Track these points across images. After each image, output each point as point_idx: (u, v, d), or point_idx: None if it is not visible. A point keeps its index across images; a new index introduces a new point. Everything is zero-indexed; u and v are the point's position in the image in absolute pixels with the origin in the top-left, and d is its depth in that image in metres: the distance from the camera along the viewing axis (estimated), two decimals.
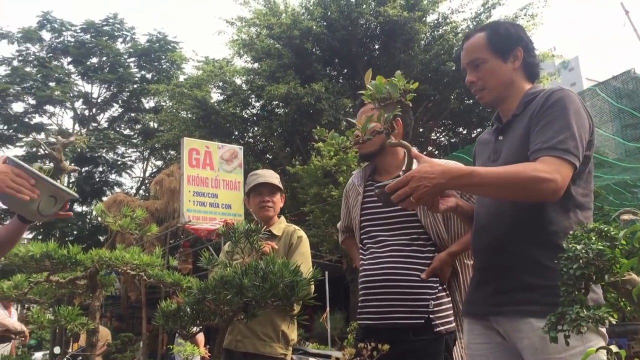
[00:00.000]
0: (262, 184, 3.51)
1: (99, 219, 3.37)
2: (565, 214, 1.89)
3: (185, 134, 16.80)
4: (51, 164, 2.16)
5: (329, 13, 17.29)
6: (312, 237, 11.87)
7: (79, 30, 25.41)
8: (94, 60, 25.48)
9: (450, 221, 2.62)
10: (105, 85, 25.74)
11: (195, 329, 2.22)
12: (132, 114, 26.35)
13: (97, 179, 25.35)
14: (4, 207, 2.12)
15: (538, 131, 1.89)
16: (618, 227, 1.32)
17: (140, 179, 26.62)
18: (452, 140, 19.82)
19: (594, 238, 1.29)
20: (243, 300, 1.95)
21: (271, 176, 3.57)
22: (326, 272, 10.25)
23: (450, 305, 2.59)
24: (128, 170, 26.57)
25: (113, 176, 26.13)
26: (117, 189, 25.43)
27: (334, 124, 15.73)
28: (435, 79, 17.07)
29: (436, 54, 16.72)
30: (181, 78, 23.26)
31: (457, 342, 2.57)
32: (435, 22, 17.85)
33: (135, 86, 25.56)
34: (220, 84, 19.01)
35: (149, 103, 26.16)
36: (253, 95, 18.77)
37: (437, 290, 2.55)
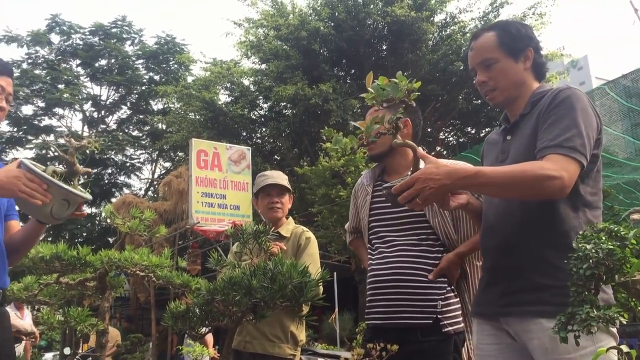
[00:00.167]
0: (270, 185, 3.51)
1: (108, 220, 3.37)
2: (574, 213, 1.88)
3: (193, 135, 16.83)
4: (62, 167, 2.16)
5: (337, 14, 17.28)
6: (321, 237, 11.87)
7: (87, 33, 25.55)
8: (103, 62, 25.62)
9: (459, 222, 2.61)
10: (114, 87, 25.86)
11: (204, 329, 2.22)
12: (141, 116, 26.46)
13: (106, 181, 25.48)
14: None
15: (545, 129, 1.89)
16: (628, 227, 1.31)
17: (149, 180, 26.74)
18: (460, 140, 19.77)
19: (604, 238, 1.29)
20: (252, 301, 1.95)
21: (280, 177, 3.57)
22: (335, 273, 10.25)
23: (459, 305, 2.58)
24: (137, 172, 26.71)
25: (122, 178, 26.29)
26: (126, 191, 25.56)
27: (342, 125, 15.71)
28: (443, 79, 17.03)
29: (444, 54, 16.68)
30: (189, 80, 23.34)
31: (466, 343, 2.57)
32: (443, 21, 17.81)
33: (143, 88, 25.67)
34: (228, 85, 19.04)
35: (157, 105, 26.29)
36: (261, 97, 18.79)
37: (445, 291, 2.54)
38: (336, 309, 11.38)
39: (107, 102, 26.25)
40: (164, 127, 23.47)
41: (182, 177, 16.83)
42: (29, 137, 24.52)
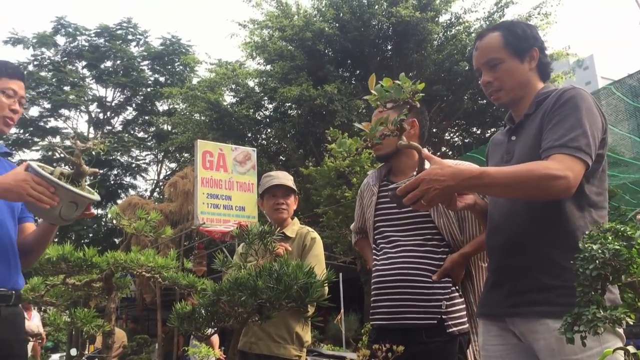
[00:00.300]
0: (276, 186, 3.51)
1: (114, 221, 3.38)
2: (580, 213, 1.88)
3: (198, 136, 16.88)
4: (69, 168, 2.18)
5: (341, 14, 17.29)
6: (326, 238, 11.87)
7: (93, 35, 25.62)
8: (108, 64, 25.68)
9: (465, 222, 2.60)
10: (120, 89, 25.93)
11: (210, 330, 2.22)
12: (146, 117, 26.51)
13: (112, 182, 25.54)
14: None
15: (550, 129, 1.88)
16: (635, 227, 1.30)
17: (155, 181, 26.79)
18: (465, 141, 19.74)
19: (610, 238, 1.28)
20: (257, 302, 1.95)
21: (285, 178, 3.57)
22: (340, 274, 10.24)
23: (464, 306, 2.57)
24: (142, 173, 26.77)
25: (127, 179, 26.35)
26: (131, 192, 25.62)
27: (347, 125, 15.70)
28: (449, 79, 17.01)
29: (449, 54, 16.66)
30: (194, 81, 23.37)
31: (471, 344, 2.56)
32: (448, 22, 17.79)
33: (149, 89, 25.72)
34: (233, 86, 19.07)
35: (162, 106, 26.34)
36: (266, 97, 18.81)
37: (449, 291, 2.54)
38: (342, 310, 11.38)
39: (113, 104, 26.33)
40: (170, 128, 23.53)
41: (188, 178, 16.86)
42: (35, 139, 24.61)
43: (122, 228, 3.39)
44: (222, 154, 13.20)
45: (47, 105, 24.52)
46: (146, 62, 26.22)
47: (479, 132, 19.65)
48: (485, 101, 16.85)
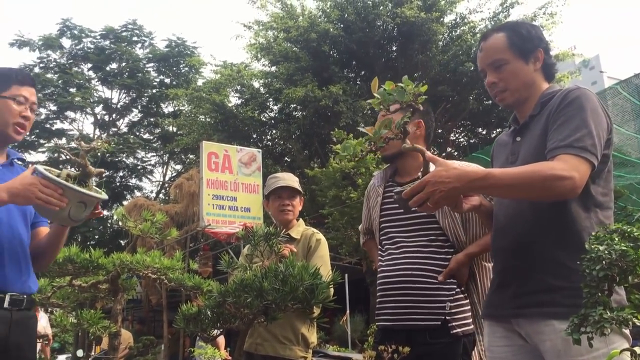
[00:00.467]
0: (281, 188, 3.51)
1: (120, 223, 3.39)
2: (585, 213, 1.87)
3: (204, 137, 16.91)
4: (75, 170, 2.19)
5: (346, 15, 17.29)
6: (332, 239, 11.87)
7: (98, 37, 25.72)
8: (114, 65, 25.78)
9: (468, 223, 2.60)
10: (125, 91, 26.02)
11: (215, 332, 2.23)
12: (152, 119, 26.59)
13: (118, 184, 25.62)
14: None
15: (555, 130, 1.88)
16: None
17: (160, 183, 26.86)
18: (471, 141, 19.71)
19: (616, 239, 1.28)
20: (263, 304, 1.95)
21: (291, 179, 3.57)
22: (346, 275, 10.24)
23: (468, 307, 2.57)
24: (148, 175, 26.86)
25: (133, 180, 26.44)
26: (137, 193, 25.71)
27: (352, 126, 15.69)
28: (454, 79, 16.99)
29: (454, 55, 16.64)
30: (199, 82, 23.45)
31: (476, 345, 2.55)
32: (453, 22, 17.77)
33: (154, 91, 25.80)
34: (238, 87, 19.10)
35: (167, 107, 26.42)
36: (271, 99, 18.83)
37: (454, 292, 2.53)
38: (347, 311, 11.38)
39: (118, 105, 26.42)
40: (175, 129, 23.58)
41: (193, 179, 16.90)
42: (41, 141, 24.71)
43: (128, 230, 3.40)
44: (227, 156, 13.22)
45: (53, 107, 24.65)
46: (151, 64, 26.30)
47: (484, 132, 19.62)
48: (490, 102, 16.82)
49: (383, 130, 1.85)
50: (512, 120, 2.18)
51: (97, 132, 25.91)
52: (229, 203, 12.92)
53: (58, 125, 25.42)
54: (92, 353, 9.39)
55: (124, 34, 25.91)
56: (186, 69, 25.97)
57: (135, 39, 26.29)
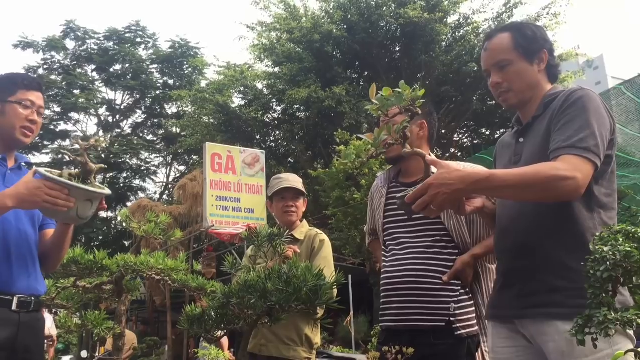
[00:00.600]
0: (285, 189, 3.51)
1: (124, 224, 3.40)
2: (589, 214, 1.87)
3: (207, 139, 16.93)
4: (75, 169, 2.20)
5: (349, 16, 17.29)
6: (335, 240, 11.87)
7: (102, 38, 25.81)
8: (117, 67, 25.85)
9: (474, 224, 2.59)
10: (129, 92, 26.09)
11: (219, 333, 2.23)
12: (155, 120, 26.67)
13: (122, 185, 25.67)
14: None
15: (558, 130, 1.87)
16: None
17: (164, 184, 26.91)
18: (474, 142, 19.69)
19: (621, 239, 1.27)
20: (267, 305, 1.96)
21: (295, 181, 3.57)
22: (349, 276, 10.24)
23: (473, 308, 2.56)
24: (152, 176, 26.92)
25: (137, 181, 26.52)
26: (141, 194, 25.79)
27: (356, 127, 15.71)
28: (457, 80, 16.98)
29: (458, 55, 16.63)
30: (203, 84, 23.49)
31: (480, 346, 2.55)
32: (457, 23, 17.76)
33: (157, 92, 25.86)
34: (242, 88, 19.12)
35: (171, 109, 26.49)
36: (274, 100, 18.84)
37: (458, 293, 2.53)
38: (351, 312, 11.37)
39: (122, 107, 26.49)
40: (178, 131, 23.65)
41: (197, 180, 16.92)
42: (45, 143, 24.78)
43: (132, 231, 3.41)
44: (230, 157, 13.22)
45: (57, 109, 24.72)
46: (155, 65, 26.37)
47: (487, 133, 19.60)
48: (494, 102, 16.79)
49: (384, 135, 1.85)
50: (515, 121, 2.17)
51: (101, 133, 25.98)
52: (233, 204, 12.93)
53: (62, 126, 25.51)
54: (96, 354, 9.41)
55: (127, 35, 25.99)
56: (189, 70, 26.03)
57: (138, 40, 26.38)
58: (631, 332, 1.76)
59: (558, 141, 1.85)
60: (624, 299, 1.74)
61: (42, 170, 2.09)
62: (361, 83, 18.58)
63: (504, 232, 2.04)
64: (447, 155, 17.82)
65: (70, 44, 25.71)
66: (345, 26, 17.52)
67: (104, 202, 2.25)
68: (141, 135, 26.89)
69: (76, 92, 24.76)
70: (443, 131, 17.72)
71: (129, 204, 24.01)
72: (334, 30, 17.11)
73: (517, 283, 1.94)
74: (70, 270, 3.23)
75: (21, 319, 2.26)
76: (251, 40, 19.16)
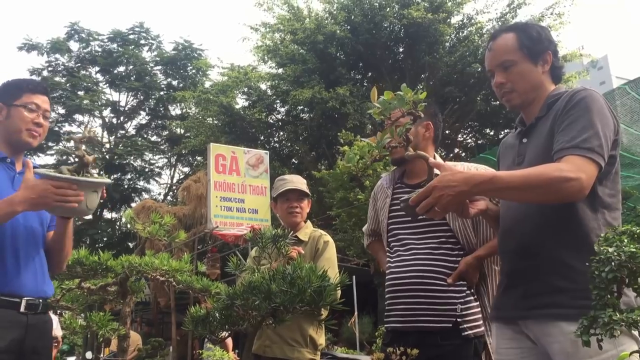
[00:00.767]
0: (290, 190, 3.51)
1: (129, 225, 3.40)
2: (593, 214, 1.86)
3: (211, 140, 16.95)
4: (70, 167, 2.23)
5: (353, 17, 17.30)
6: (339, 241, 11.87)
7: (106, 40, 25.86)
8: (121, 69, 25.90)
9: (479, 225, 2.59)
10: (133, 93, 26.13)
11: (224, 334, 2.23)
12: (159, 121, 26.70)
13: (126, 186, 25.71)
14: None
15: (561, 131, 1.87)
16: None
17: (168, 185, 26.95)
18: (479, 142, 19.66)
19: (626, 240, 1.27)
20: (271, 306, 1.96)
21: (299, 182, 3.57)
22: (354, 277, 10.23)
23: (479, 309, 2.56)
24: (156, 177, 26.94)
25: (141, 183, 26.54)
26: (145, 196, 25.80)
27: (360, 128, 15.72)
28: (461, 80, 16.97)
29: (461, 56, 16.61)
30: (207, 85, 23.52)
31: (486, 347, 2.55)
32: (460, 23, 17.74)
33: (161, 93, 25.89)
34: (246, 89, 19.14)
35: (175, 110, 26.52)
36: (278, 101, 18.86)
37: (464, 294, 2.53)
38: (355, 313, 11.37)
39: (126, 108, 26.54)
40: (182, 132, 23.67)
41: (201, 181, 16.93)
42: (50, 144, 24.84)
43: (136, 232, 3.41)
44: (234, 158, 13.23)
45: (62, 111, 24.77)
46: (159, 67, 26.42)
47: (492, 133, 19.58)
48: (498, 102, 16.76)
49: (387, 138, 1.85)
50: (519, 122, 2.17)
51: (105, 135, 26.04)
52: (237, 205, 12.93)
53: (66, 128, 25.56)
54: (101, 355, 9.43)
55: (131, 37, 26.03)
56: (193, 71, 26.06)
57: (142, 42, 26.42)
58: (636, 333, 1.76)
59: (562, 142, 1.84)
60: (629, 300, 1.73)
61: (43, 171, 2.11)
62: (365, 84, 18.57)
63: (507, 233, 2.04)
64: (451, 155, 17.81)
65: (74, 45, 25.79)
66: (348, 27, 17.52)
67: (105, 191, 2.27)
68: (145, 136, 26.93)
69: (80, 93, 24.81)
70: (447, 132, 17.70)
71: (133, 205, 24.04)
72: (338, 31, 17.11)
73: (521, 284, 1.94)
74: (75, 271, 3.24)
75: (29, 321, 2.27)
76: (255, 41, 19.20)
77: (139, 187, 26.43)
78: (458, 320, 2.48)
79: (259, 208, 13.14)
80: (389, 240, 2.76)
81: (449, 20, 17.16)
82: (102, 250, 3.34)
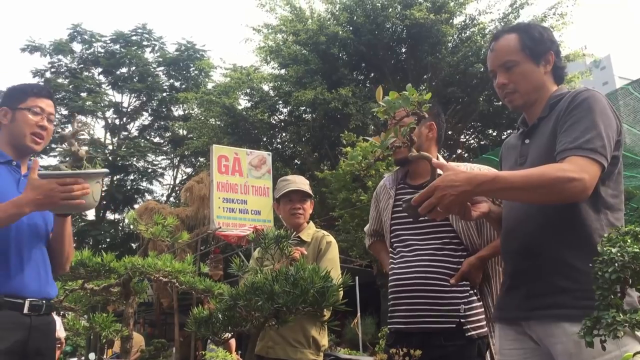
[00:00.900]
0: (292, 191, 3.51)
1: (131, 226, 3.41)
2: (595, 215, 1.86)
3: (214, 141, 16.97)
4: (65, 164, 2.24)
5: (355, 18, 17.30)
6: (342, 242, 11.86)
7: (108, 41, 25.90)
8: (124, 70, 25.94)
9: (483, 226, 2.59)
10: (135, 95, 26.17)
11: (227, 335, 2.23)
12: (162, 122, 26.74)
13: (129, 187, 25.75)
14: None
15: (564, 132, 1.87)
16: None
17: (171, 186, 26.97)
18: (481, 143, 19.65)
19: (629, 241, 1.27)
20: (274, 307, 1.96)
21: (302, 183, 3.57)
22: (356, 277, 10.22)
23: (482, 310, 2.56)
24: (158, 178, 26.99)
25: (144, 184, 26.60)
26: (148, 197, 25.84)
27: (362, 129, 15.70)
28: (464, 81, 16.95)
29: (464, 56, 16.59)
30: (209, 86, 23.55)
31: (489, 348, 2.55)
32: (462, 23, 17.73)
33: (164, 95, 25.93)
34: (248, 90, 19.16)
35: (178, 111, 26.55)
36: (280, 102, 18.87)
37: (468, 295, 2.52)
38: (358, 314, 11.36)
39: (129, 109, 26.58)
40: (185, 133, 23.71)
41: (204, 182, 16.96)
42: (52, 145, 24.87)
43: (139, 233, 3.42)
44: (237, 159, 13.25)
45: (65, 112, 24.79)
46: (161, 68, 26.46)
47: (494, 134, 19.56)
48: (500, 103, 16.74)
49: (391, 138, 1.85)
50: (521, 123, 2.17)
51: (108, 136, 26.09)
52: (239, 206, 12.94)
53: (69, 129, 25.57)
54: (104, 356, 9.43)
55: (133, 38, 26.07)
56: (196, 72, 26.09)
57: (145, 43, 26.46)
58: (639, 334, 1.75)
59: (564, 142, 1.84)
60: (632, 300, 1.73)
61: (43, 172, 2.13)
62: (367, 84, 18.57)
63: (510, 233, 2.04)
64: (454, 156, 17.79)
65: (77, 47, 25.85)
66: (351, 28, 17.52)
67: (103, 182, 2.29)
68: (148, 137, 26.98)
69: (83, 95, 24.86)
70: (450, 132, 17.68)
71: (136, 206, 24.09)
72: (340, 32, 17.11)
73: (524, 284, 1.93)
74: (78, 272, 3.24)
75: (32, 322, 2.27)
76: (257, 42, 19.21)
77: (142, 188, 26.50)
78: (461, 320, 2.47)
79: (261, 209, 13.16)
80: (392, 241, 2.75)
81: (451, 20, 17.15)
82: (105, 251, 3.35)
